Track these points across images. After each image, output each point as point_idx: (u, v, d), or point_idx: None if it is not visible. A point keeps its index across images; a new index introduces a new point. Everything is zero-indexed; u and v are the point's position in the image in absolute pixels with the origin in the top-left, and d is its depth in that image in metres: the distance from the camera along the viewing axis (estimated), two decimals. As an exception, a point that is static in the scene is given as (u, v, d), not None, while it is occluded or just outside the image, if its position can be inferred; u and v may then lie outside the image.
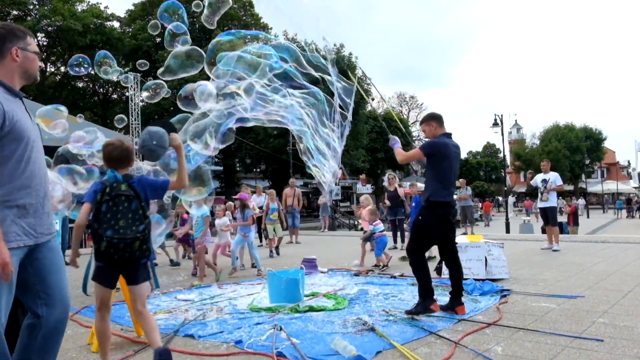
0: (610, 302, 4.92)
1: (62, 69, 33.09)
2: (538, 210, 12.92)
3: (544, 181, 9.90)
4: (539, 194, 10.03)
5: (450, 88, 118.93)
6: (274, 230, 10.96)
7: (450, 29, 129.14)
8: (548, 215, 9.88)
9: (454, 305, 4.67)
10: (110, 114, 34.49)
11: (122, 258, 2.96)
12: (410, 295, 5.69)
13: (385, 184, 11.39)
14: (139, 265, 3.07)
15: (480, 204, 34.82)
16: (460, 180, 17.76)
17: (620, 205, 44.75)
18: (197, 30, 31.71)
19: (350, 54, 27.66)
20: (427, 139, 5.11)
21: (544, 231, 11.60)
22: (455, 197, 31.59)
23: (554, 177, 9.90)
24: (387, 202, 11.30)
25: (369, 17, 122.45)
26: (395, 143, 5.19)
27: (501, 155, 46.43)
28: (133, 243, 2.94)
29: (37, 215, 2.43)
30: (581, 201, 40.41)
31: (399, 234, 11.16)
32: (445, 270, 6.73)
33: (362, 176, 41.56)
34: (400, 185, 11.74)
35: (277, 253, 10.85)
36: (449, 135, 4.96)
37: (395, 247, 10.96)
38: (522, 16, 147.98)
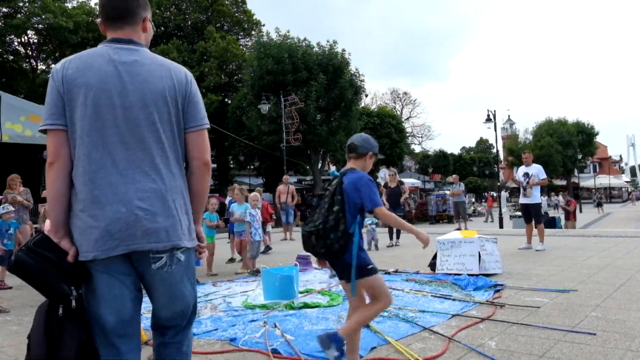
0: (603, 296, 4.95)
1: (53, 66, 32.82)
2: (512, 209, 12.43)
3: (526, 175, 9.08)
4: (521, 189, 9.21)
5: (446, 83, 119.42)
6: None
7: (447, 20, 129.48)
8: (531, 213, 9.02)
9: None
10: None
11: (312, 252, 2.94)
12: (403, 292, 5.70)
13: (381, 180, 11.34)
14: (337, 261, 2.94)
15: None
16: (454, 176, 17.82)
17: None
18: (189, 27, 31.60)
19: (344, 50, 27.55)
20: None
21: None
22: (448, 192, 31.48)
23: (537, 171, 9.05)
24: (385, 198, 11.06)
25: (364, 7, 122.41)
26: None
27: (494, 150, 46.59)
28: (310, 237, 2.88)
29: None
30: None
31: (394, 230, 11.06)
32: (439, 266, 6.76)
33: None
34: (402, 182, 11.56)
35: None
36: None
37: (391, 245, 10.95)
38: (516, 9, 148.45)
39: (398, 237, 11.03)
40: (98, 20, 2.07)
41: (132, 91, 1.89)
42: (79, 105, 1.86)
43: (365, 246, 9.88)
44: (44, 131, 1.87)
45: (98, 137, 1.85)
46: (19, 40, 29.67)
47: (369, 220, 11.02)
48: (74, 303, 1.89)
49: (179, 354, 2.08)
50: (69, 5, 29.80)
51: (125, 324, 1.94)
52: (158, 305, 2.03)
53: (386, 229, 11.54)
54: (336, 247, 2.82)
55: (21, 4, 27.64)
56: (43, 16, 26.93)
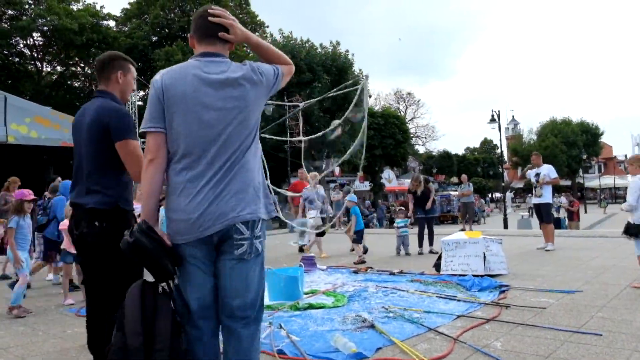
0: (609, 297, 4.94)
1: (59, 68, 32.90)
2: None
3: (537, 175, 9.18)
4: (533, 189, 9.35)
5: (450, 81, 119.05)
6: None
7: (450, 18, 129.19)
8: (542, 212, 9.06)
9: None
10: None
11: None
12: (408, 293, 5.70)
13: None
14: None
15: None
16: (463, 176, 17.61)
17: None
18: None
19: (347, 51, 27.57)
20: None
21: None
22: (456, 193, 31.09)
23: (547, 170, 9.13)
24: (411, 203, 9.91)
25: (366, 6, 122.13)
26: None
27: (498, 151, 46.49)
28: None
29: None
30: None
31: (426, 233, 9.70)
32: (444, 267, 6.75)
33: (360, 173, 41.63)
34: (428, 181, 10.31)
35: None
36: None
37: (421, 252, 9.52)
38: (521, 8, 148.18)
39: (431, 244, 9.70)
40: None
41: None
42: None
43: (394, 251, 9.44)
44: None
45: None
46: (24, 42, 29.82)
47: (401, 222, 9.64)
48: (174, 282, 2.14)
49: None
50: (74, 8, 29.94)
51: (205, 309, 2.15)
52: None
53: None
54: None
55: (27, 6, 27.79)
56: (48, 18, 27.07)
